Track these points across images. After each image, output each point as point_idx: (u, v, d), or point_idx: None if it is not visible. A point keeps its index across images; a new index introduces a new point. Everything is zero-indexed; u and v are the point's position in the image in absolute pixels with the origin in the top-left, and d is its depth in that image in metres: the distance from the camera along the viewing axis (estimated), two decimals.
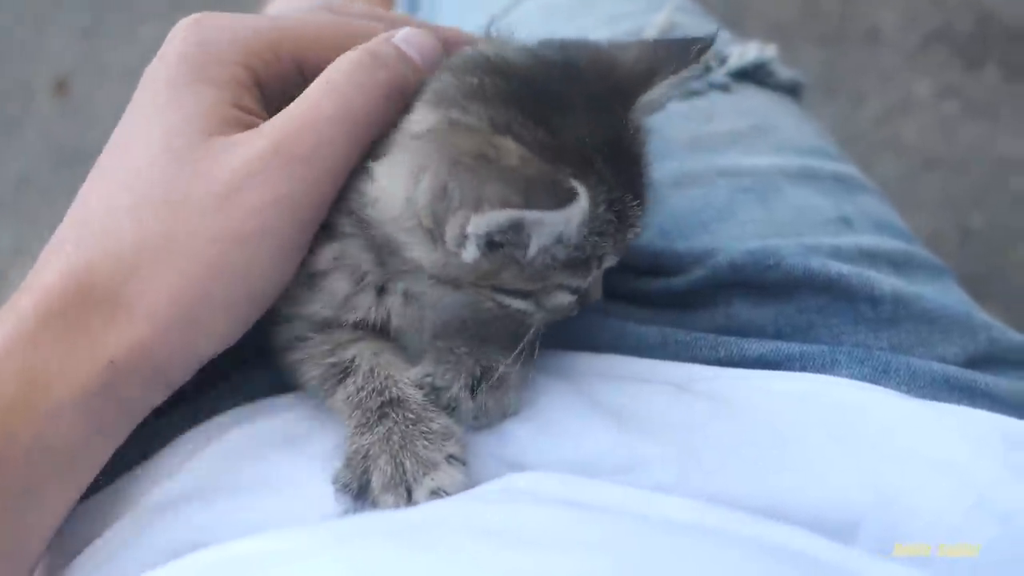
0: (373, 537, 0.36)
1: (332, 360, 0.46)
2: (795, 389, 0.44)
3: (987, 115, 1.54)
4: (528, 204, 0.37)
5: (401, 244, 0.42)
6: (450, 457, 0.42)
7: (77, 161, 1.63)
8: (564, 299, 0.44)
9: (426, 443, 0.42)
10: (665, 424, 0.43)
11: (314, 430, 0.46)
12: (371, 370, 0.45)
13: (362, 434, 0.43)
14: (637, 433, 0.43)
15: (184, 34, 0.44)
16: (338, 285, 0.45)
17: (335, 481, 0.42)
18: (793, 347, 0.47)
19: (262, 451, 0.45)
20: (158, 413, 0.49)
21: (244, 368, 0.50)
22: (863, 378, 0.45)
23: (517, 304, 0.43)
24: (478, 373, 0.44)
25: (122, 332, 0.41)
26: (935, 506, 0.38)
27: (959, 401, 0.45)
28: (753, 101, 0.64)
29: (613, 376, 0.46)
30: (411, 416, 0.43)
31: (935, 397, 0.45)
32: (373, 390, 0.44)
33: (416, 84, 0.44)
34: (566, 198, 0.37)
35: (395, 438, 0.42)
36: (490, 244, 0.39)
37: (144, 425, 0.46)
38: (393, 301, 0.46)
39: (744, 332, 0.49)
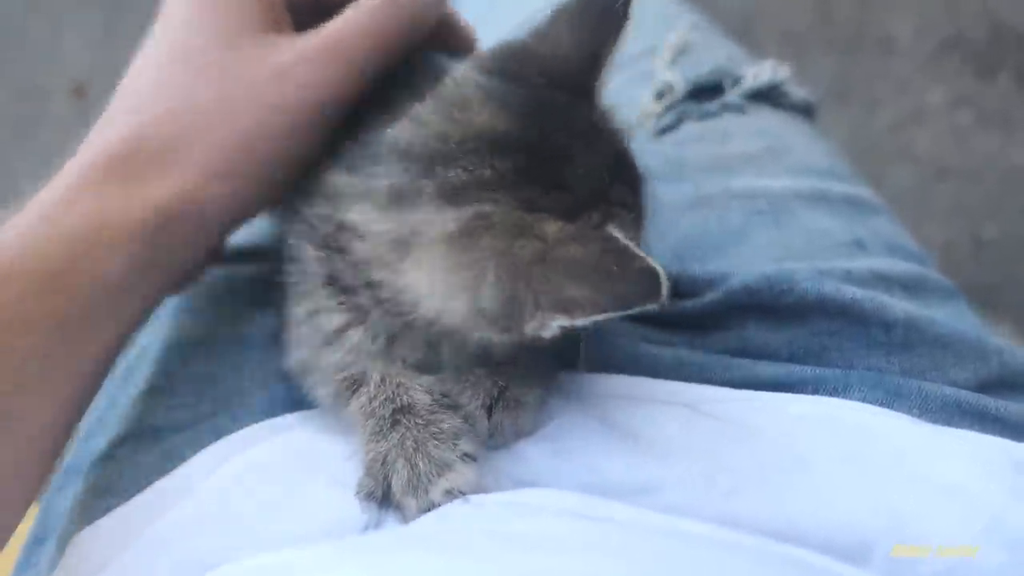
0: (395, 545, 0.37)
1: (343, 375, 0.46)
2: (808, 412, 0.44)
3: (1001, 124, 1.54)
4: (619, 305, 0.37)
5: (459, 336, 0.42)
6: (463, 455, 0.43)
7: None
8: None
9: (437, 444, 0.43)
10: (680, 447, 0.43)
11: (331, 446, 0.46)
12: (382, 379, 0.46)
13: (378, 441, 0.44)
14: (652, 456, 0.43)
15: None
16: (359, 338, 0.46)
17: (359, 491, 0.43)
18: (806, 371, 0.48)
19: (280, 469, 0.46)
20: (177, 428, 0.50)
21: (260, 385, 0.51)
22: (876, 402, 0.45)
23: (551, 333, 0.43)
24: (495, 393, 0.45)
25: (174, 180, 0.46)
26: (945, 531, 0.38)
27: (971, 425, 0.45)
28: (767, 122, 0.64)
29: (627, 398, 0.46)
30: (421, 421, 0.44)
31: (947, 421, 0.45)
32: (386, 398, 0.45)
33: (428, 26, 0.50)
34: (650, 284, 0.37)
35: (408, 442, 0.43)
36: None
37: (161, 442, 0.47)
38: (400, 350, 0.46)
39: (758, 355, 0.50)
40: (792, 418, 0.44)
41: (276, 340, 0.50)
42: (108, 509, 0.47)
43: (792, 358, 0.50)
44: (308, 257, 0.46)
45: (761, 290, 0.50)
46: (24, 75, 1.84)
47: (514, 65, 0.45)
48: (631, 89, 0.67)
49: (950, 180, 1.50)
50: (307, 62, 0.47)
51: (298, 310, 0.47)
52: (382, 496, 0.43)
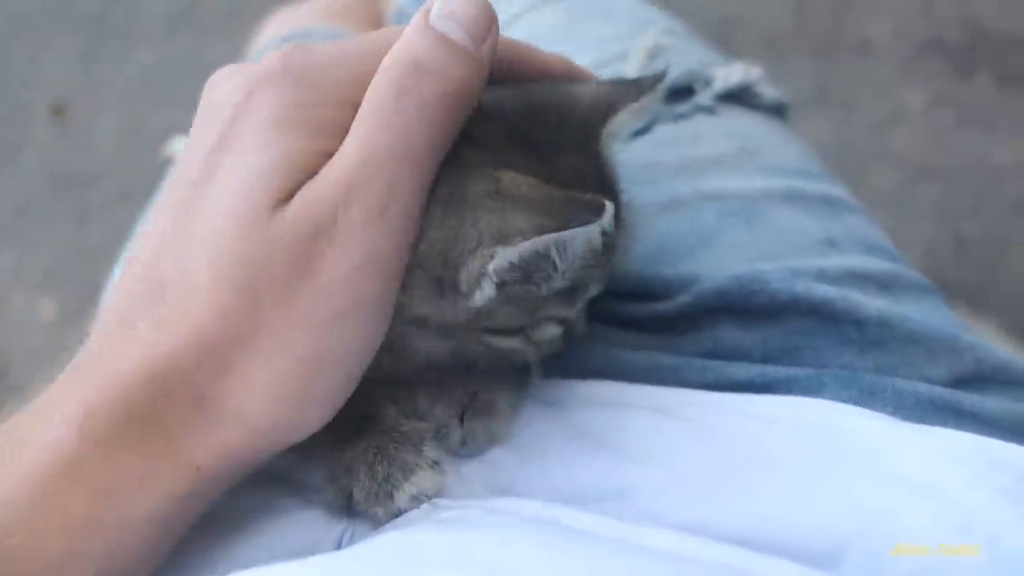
0: (348, 563, 0.36)
1: None
2: (780, 414, 0.44)
3: (980, 124, 1.55)
4: (562, 226, 0.37)
5: (402, 304, 0.40)
6: (430, 462, 0.43)
7: (76, 185, 1.65)
8: (553, 331, 0.44)
9: (400, 449, 0.43)
10: (653, 452, 0.43)
11: (304, 460, 0.46)
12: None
13: (342, 450, 0.44)
14: (626, 461, 0.43)
15: (282, 68, 0.38)
16: None
17: (325, 503, 0.43)
18: (780, 371, 0.47)
19: (258, 485, 0.45)
20: None
21: None
22: (849, 401, 0.45)
23: (508, 344, 0.43)
24: (466, 400, 0.45)
25: (210, 437, 0.36)
26: (920, 529, 0.38)
27: (945, 422, 0.45)
28: (739, 123, 0.64)
29: (600, 403, 0.46)
30: (383, 427, 0.44)
31: (921, 418, 0.45)
32: (352, 408, 0.45)
33: (479, 69, 0.38)
34: (597, 210, 0.36)
35: (371, 450, 0.43)
36: (500, 283, 0.39)
37: None
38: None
39: (731, 356, 0.50)
40: (765, 420, 0.44)
41: None
42: None
43: (766, 358, 0.49)
44: None
45: (732, 291, 0.50)
46: (4, 98, 1.84)
47: (537, 95, 0.43)
48: None
49: (931, 180, 1.51)
50: (336, 236, 0.36)
51: None
52: (346, 505, 0.42)
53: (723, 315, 0.51)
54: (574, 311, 0.44)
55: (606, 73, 0.67)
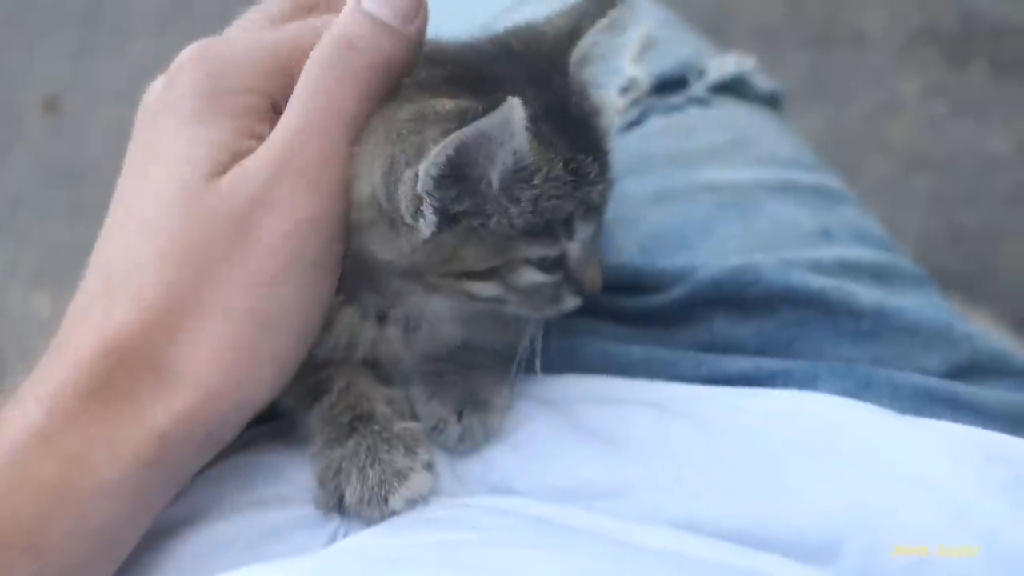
0: (334, 562, 0.36)
1: (309, 382, 0.45)
2: (776, 408, 0.44)
3: (975, 113, 1.54)
4: (465, 122, 0.36)
5: (370, 250, 0.41)
6: (421, 464, 0.43)
7: (69, 180, 1.64)
8: (535, 277, 0.42)
9: (393, 451, 0.43)
10: (649, 447, 0.43)
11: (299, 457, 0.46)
12: (346, 386, 0.45)
13: (332, 449, 0.43)
14: (624, 458, 0.43)
15: (191, 64, 0.41)
16: (351, 318, 0.45)
17: (315, 503, 0.43)
18: (775, 363, 0.47)
19: (251, 482, 0.45)
20: None
21: None
22: (845, 393, 0.45)
23: (487, 291, 0.42)
24: (466, 397, 0.45)
25: (169, 402, 0.38)
26: (917, 523, 0.38)
27: (942, 413, 0.45)
28: (732, 114, 0.64)
29: (596, 399, 0.46)
30: (376, 428, 0.43)
31: (917, 410, 0.45)
32: (346, 406, 0.45)
33: (407, 46, 0.41)
34: (498, 102, 0.36)
35: (362, 451, 0.43)
36: (449, 218, 0.39)
37: None
38: (392, 331, 0.46)
39: (726, 348, 0.50)
40: (760, 414, 0.44)
41: None
42: None
43: (761, 350, 0.49)
44: None
45: (727, 283, 0.50)
46: None
47: (507, 38, 0.45)
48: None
49: (926, 170, 1.50)
50: (269, 203, 0.39)
51: None
52: (337, 507, 0.42)
53: (718, 307, 0.51)
54: (554, 250, 0.42)
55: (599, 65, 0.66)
